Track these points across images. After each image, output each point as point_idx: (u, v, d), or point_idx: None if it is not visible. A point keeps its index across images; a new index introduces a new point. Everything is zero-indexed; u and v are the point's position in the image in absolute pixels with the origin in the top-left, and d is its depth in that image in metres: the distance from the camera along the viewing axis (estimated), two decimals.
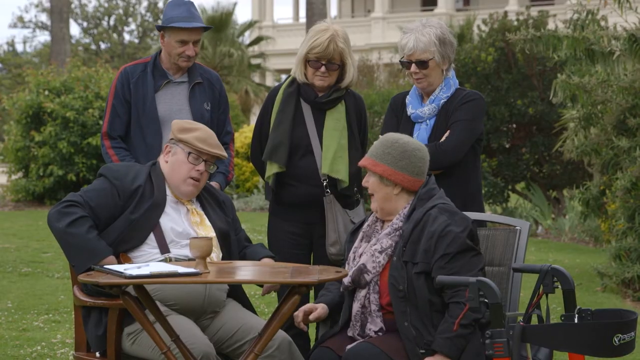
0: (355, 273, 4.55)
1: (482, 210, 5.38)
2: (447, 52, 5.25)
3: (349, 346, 4.47)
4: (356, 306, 4.57)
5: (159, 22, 5.81)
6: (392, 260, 4.50)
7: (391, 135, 4.69)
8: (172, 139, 4.92)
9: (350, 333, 4.60)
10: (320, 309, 4.70)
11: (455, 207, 4.57)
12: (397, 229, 4.55)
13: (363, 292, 4.55)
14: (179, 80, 5.81)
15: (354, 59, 5.50)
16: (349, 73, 5.46)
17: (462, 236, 4.40)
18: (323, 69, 5.39)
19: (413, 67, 5.25)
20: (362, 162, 4.66)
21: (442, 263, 4.38)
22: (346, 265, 4.69)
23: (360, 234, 4.73)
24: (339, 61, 5.41)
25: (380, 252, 4.53)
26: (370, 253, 4.56)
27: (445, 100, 5.28)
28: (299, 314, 4.67)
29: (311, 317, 4.67)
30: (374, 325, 4.52)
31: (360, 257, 4.61)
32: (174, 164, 4.87)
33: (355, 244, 4.71)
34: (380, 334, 4.51)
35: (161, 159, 4.95)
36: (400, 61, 5.35)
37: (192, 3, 5.77)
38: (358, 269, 4.55)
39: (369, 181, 4.63)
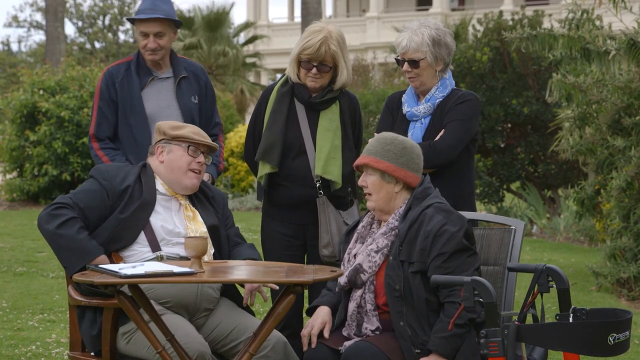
0: (351, 273, 4.55)
1: (473, 210, 5.38)
2: (441, 53, 5.25)
3: (347, 343, 4.48)
4: (352, 306, 4.56)
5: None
6: (389, 259, 4.50)
7: (387, 134, 4.69)
8: (162, 139, 4.93)
9: (345, 332, 4.59)
10: (329, 321, 4.68)
11: (450, 207, 4.57)
12: (393, 229, 4.55)
13: (359, 292, 4.55)
14: (164, 76, 5.79)
15: (348, 61, 5.44)
16: (341, 75, 5.42)
17: (458, 235, 4.41)
18: (314, 70, 5.36)
19: (405, 66, 5.27)
20: (362, 160, 4.64)
21: (438, 262, 4.38)
22: (341, 266, 4.68)
23: (355, 235, 4.72)
24: (331, 63, 5.37)
25: (377, 252, 4.53)
26: (366, 253, 4.55)
27: (441, 99, 5.29)
28: (315, 331, 4.62)
29: (325, 333, 4.64)
30: (371, 324, 4.51)
31: (355, 257, 4.61)
32: (172, 160, 4.88)
33: (350, 245, 4.70)
34: (377, 332, 4.51)
35: (153, 160, 4.95)
36: (395, 59, 5.36)
37: None
38: (354, 269, 4.54)
39: (367, 180, 4.62)
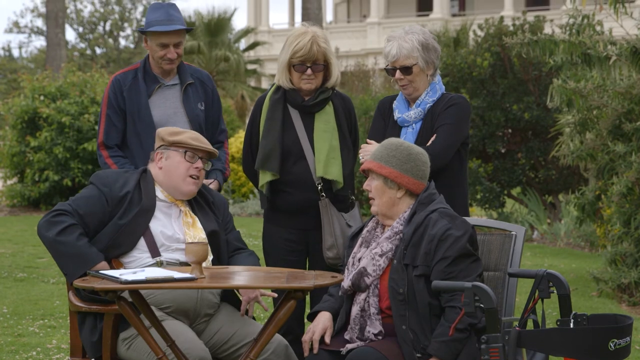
0: (356, 276, 4.56)
1: (466, 215, 5.38)
2: (430, 57, 5.28)
3: (349, 345, 4.49)
4: (355, 309, 4.57)
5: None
6: (393, 263, 4.52)
7: (394, 140, 4.74)
8: (161, 145, 4.93)
9: (347, 336, 4.60)
10: (330, 326, 4.67)
11: (455, 212, 4.58)
12: (397, 233, 4.57)
13: (362, 296, 4.56)
14: (170, 84, 5.82)
15: (335, 58, 5.49)
16: (334, 72, 5.45)
17: (462, 240, 4.42)
18: (309, 71, 5.37)
19: (397, 74, 5.28)
20: (367, 165, 4.67)
21: (441, 266, 4.40)
22: (345, 270, 4.69)
23: (360, 240, 4.73)
24: (323, 61, 5.40)
25: (381, 256, 4.55)
26: (370, 256, 4.57)
27: (431, 104, 5.31)
28: (316, 337, 4.62)
29: (327, 338, 4.63)
30: (374, 328, 4.52)
31: (359, 261, 4.62)
32: (170, 166, 4.88)
33: (355, 249, 4.71)
34: (379, 337, 4.51)
35: (152, 167, 4.96)
36: (385, 69, 5.37)
37: (172, 5, 5.75)
38: (358, 273, 4.55)
39: (371, 185, 4.65)
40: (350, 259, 4.70)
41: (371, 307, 4.54)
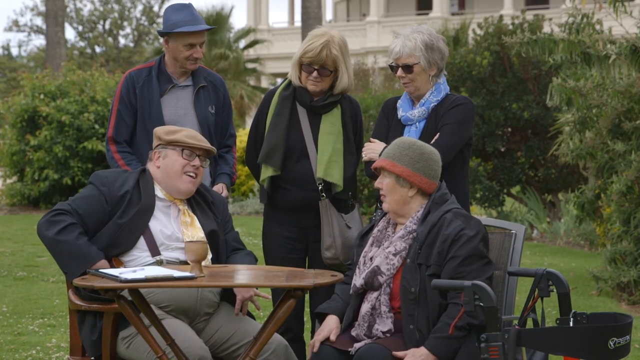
0: (369, 275, 4.57)
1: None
2: (434, 58, 5.27)
3: (357, 344, 4.50)
4: (366, 307, 4.58)
5: (159, 28, 5.83)
6: (406, 262, 4.53)
7: (406, 139, 4.77)
8: (159, 144, 4.94)
9: (354, 333, 4.61)
10: (335, 328, 4.68)
11: (468, 213, 4.60)
12: (410, 232, 4.59)
13: (374, 294, 4.57)
14: (183, 84, 5.84)
15: (349, 66, 5.47)
16: (341, 80, 5.44)
17: (475, 240, 4.46)
18: (315, 74, 5.38)
19: (399, 71, 5.29)
20: (379, 163, 4.69)
21: (452, 265, 4.42)
22: (356, 269, 4.70)
23: (371, 239, 4.74)
24: (332, 67, 5.40)
25: (395, 255, 4.56)
26: (384, 255, 4.58)
27: (435, 104, 5.31)
28: (320, 338, 4.60)
29: (332, 337, 4.64)
30: (383, 325, 4.53)
31: (371, 260, 4.63)
32: (167, 165, 4.88)
33: (366, 249, 4.72)
34: (387, 335, 4.53)
35: (151, 166, 4.96)
36: (389, 65, 5.38)
37: (192, 5, 5.79)
38: (372, 271, 4.57)
39: (382, 182, 4.66)
40: (362, 258, 4.71)
41: (382, 306, 4.55)
